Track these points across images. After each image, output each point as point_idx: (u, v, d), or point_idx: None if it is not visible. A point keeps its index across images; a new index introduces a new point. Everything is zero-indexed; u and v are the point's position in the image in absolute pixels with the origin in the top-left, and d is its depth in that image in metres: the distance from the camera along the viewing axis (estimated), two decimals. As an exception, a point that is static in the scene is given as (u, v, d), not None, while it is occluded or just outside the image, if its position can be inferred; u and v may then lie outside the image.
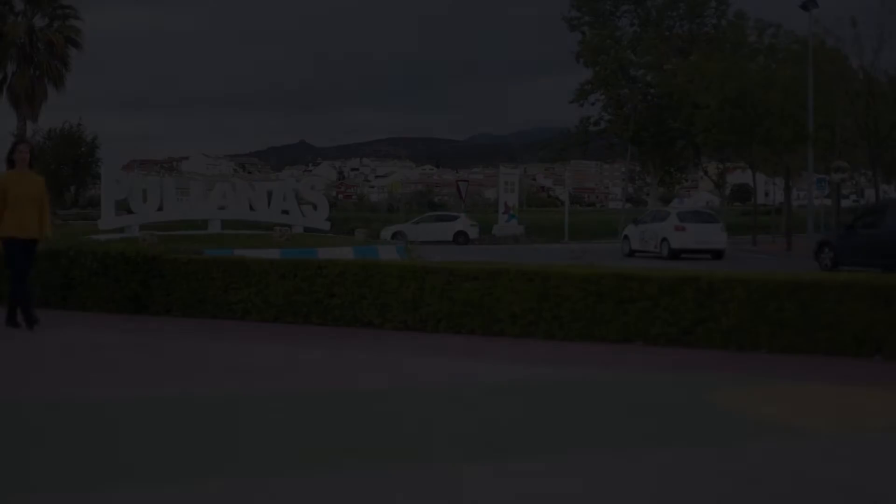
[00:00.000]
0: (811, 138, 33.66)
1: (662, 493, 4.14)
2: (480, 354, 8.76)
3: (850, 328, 8.78)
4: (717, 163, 53.82)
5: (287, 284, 11.30)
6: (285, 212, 30.54)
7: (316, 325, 11.05)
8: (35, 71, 44.67)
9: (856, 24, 30.59)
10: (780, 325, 9.02)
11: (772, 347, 9.03)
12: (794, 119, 33.45)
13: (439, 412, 5.79)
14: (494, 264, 10.62)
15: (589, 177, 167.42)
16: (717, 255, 26.96)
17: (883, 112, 31.53)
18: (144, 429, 5.24)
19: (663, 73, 47.26)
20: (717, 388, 6.87)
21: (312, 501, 3.96)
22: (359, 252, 21.47)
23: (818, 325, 8.89)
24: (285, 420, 5.52)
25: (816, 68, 32.66)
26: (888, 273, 13.21)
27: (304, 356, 8.49)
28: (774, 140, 34.58)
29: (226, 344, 9.33)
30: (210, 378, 7.14)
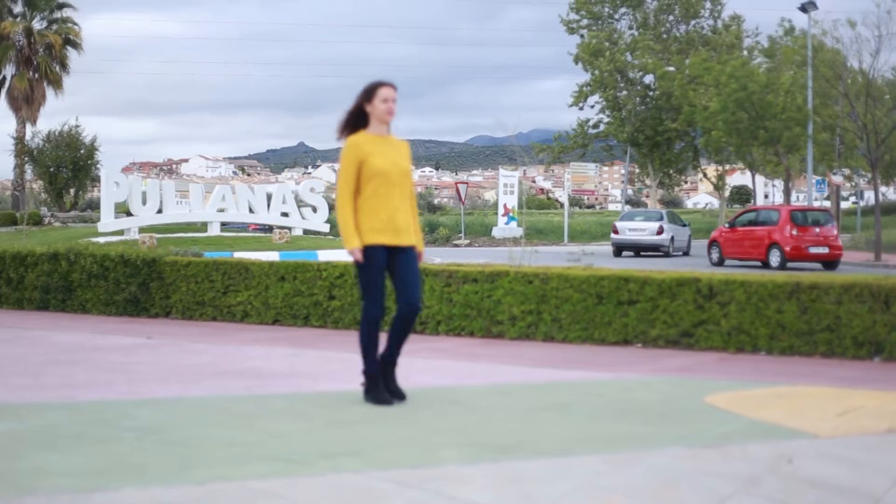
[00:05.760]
0: (811, 139, 33.67)
1: (662, 495, 4.13)
2: (479, 356, 8.74)
3: (850, 330, 8.79)
4: (716, 164, 53.86)
5: (287, 287, 11.30)
6: (285, 214, 30.62)
7: (316, 328, 11.05)
8: (34, 73, 44.71)
9: (854, 25, 30.59)
10: (779, 327, 9.02)
11: (771, 349, 9.04)
12: (795, 121, 33.48)
13: (437, 414, 5.77)
14: (494, 266, 10.61)
15: (588, 179, 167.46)
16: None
17: (882, 114, 31.55)
18: (147, 429, 5.23)
19: (662, 75, 47.27)
20: (717, 389, 6.86)
21: (311, 502, 3.95)
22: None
23: (817, 326, 8.89)
24: (284, 420, 5.51)
25: (815, 70, 32.67)
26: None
27: (303, 357, 8.48)
28: (776, 141, 34.60)
29: (226, 347, 9.32)
30: (209, 379, 7.13)
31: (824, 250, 25.43)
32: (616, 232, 33.00)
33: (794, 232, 25.37)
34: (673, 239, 31.88)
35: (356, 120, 6.05)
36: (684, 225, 33.90)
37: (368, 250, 5.86)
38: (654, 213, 34.54)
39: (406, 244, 5.96)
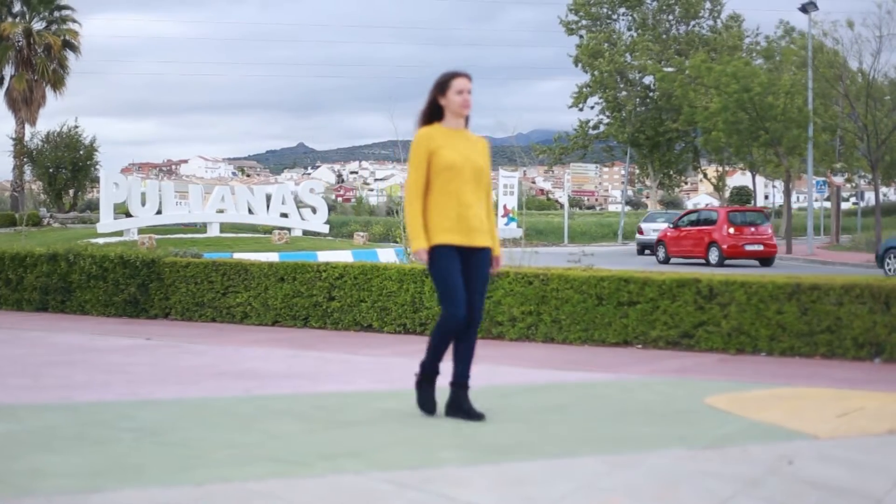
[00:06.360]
0: (812, 140, 33.66)
1: (662, 496, 4.12)
2: (479, 358, 8.71)
3: (850, 331, 8.77)
4: (716, 165, 53.88)
5: (286, 288, 11.29)
6: (284, 215, 30.61)
7: (315, 329, 11.04)
8: (33, 74, 44.69)
9: (853, 26, 30.60)
10: (779, 328, 9.01)
11: (771, 350, 9.03)
12: (795, 122, 33.49)
13: (437, 415, 5.76)
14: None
15: (588, 180, 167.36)
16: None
17: (882, 114, 31.54)
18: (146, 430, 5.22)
19: (662, 77, 47.27)
20: (717, 390, 6.85)
21: (310, 503, 3.94)
22: (358, 255, 21.48)
23: (818, 327, 8.88)
24: (284, 422, 5.49)
25: (815, 71, 32.68)
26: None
27: (302, 359, 8.47)
28: (776, 142, 34.60)
29: (226, 348, 9.31)
30: (208, 380, 7.11)
31: (759, 248, 27.60)
32: (641, 232, 35.64)
33: (731, 231, 27.54)
34: None
35: (431, 115, 5.59)
36: None
37: (439, 249, 5.39)
38: (674, 215, 36.60)
39: (479, 245, 5.48)
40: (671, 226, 30.27)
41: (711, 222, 28.32)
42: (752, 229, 27.91)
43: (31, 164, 44.05)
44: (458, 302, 5.39)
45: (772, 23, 51.05)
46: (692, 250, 28.43)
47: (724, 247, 27.27)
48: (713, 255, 27.57)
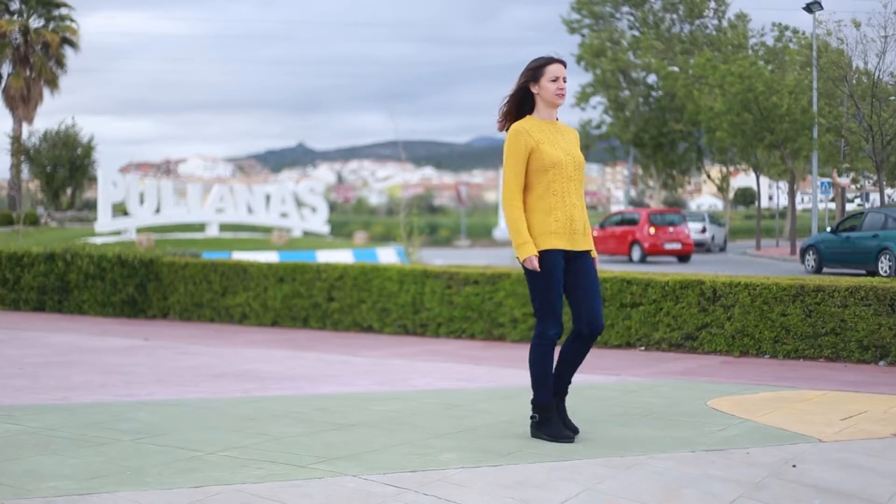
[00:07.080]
0: (816, 143, 33.60)
1: (666, 499, 4.08)
2: (480, 359, 8.69)
3: (855, 333, 8.72)
4: (720, 166, 53.85)
5: (285, 288, 11.25)
6: (284, 215, 30.60)
7: (315, 330, 11.00)
8: (30, 72, 44.64)
9: (859, 26, 30.54)
10: (783, 330, 8.96)
11: (775, 352, 8.98)
12: (800, 122, 33.44)
13: (438, 417, 5.72)
14: (495, 268, 10.56)
15: (591, 180, 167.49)
16: None
17: (888, 115, 31.47)
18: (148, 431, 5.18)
19: (665, 75, 47.25)
20: (721, 393, 6.81)
21: (310, 510, 3.90)
22: (358, 255, 21.45)
23: (822, 330, 8.83)
24: (283, 423, 5.46)
25: (820, 71, 32.63)
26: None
27: (301, 360, 8.43)
28: (781, 144, 34.56)
29: (225, 349, 9.27)
30: (207, 382, 7.08)
31: (677, 246, 29.98)
32: None
33: (652, 231, 29.92)
34: (713, 237, 37.41)
35: (520, 104, 5.18)
36: (721, 225, 39.74)
37: (544, 256, 4.96)
38: (698, 215, 39.64)
39: (583, 248, 5.08)
40: (598, 226, 32.22)
41: (634, 223, 30.75)
42: (672, 229, 30.18)
43: (29, 163, 44.00)
44: (558, 317, 5.06)
45: (776, 22, 51.03)
46: (616, 248, 30.60)
47: (646, 245, 29.58)
48: (635, 253, 29.82)
